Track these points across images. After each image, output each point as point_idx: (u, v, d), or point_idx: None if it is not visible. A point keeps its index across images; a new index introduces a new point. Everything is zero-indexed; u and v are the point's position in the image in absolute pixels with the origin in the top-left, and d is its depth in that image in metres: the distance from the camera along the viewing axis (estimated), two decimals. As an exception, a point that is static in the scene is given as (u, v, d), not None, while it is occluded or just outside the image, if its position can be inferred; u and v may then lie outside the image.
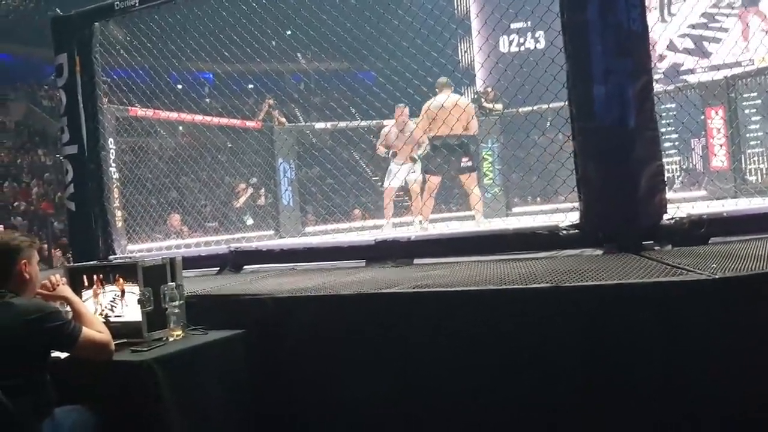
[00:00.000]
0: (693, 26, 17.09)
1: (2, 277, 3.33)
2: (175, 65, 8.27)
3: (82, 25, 6.63)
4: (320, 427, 3.95)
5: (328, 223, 11.98)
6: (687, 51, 16.51)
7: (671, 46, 16.65)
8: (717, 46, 16.33)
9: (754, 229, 4.29)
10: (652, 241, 4.18)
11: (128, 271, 3.93)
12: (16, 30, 28.38)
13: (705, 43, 16.78)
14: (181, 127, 11.46)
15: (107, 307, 3.97)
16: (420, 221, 9.19)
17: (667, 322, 3.05)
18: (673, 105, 9.49)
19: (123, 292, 3.92)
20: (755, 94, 11.52)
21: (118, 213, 7.26)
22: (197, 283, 5.09)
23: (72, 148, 6.61)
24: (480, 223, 8.89)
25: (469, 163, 8.97)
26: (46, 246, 14.71)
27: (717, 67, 11.73)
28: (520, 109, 8.79)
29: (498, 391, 3.41)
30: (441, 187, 9.58)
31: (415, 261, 5.00)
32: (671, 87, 10.59)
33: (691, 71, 14.80)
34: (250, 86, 12.75)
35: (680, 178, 12.10)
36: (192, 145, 10.79)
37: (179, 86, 9.76)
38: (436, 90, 8.86)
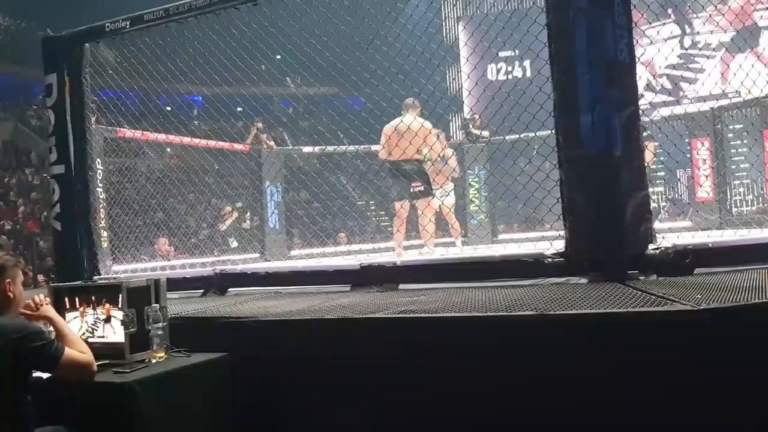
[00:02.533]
0: (671, 66, 17.24)
1: (-14, 296, 3.32)
2: (164, 87, 8.27)
3: (73, 46, 6.63)
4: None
5: (314, 247, 11.97)
6: (665, 91, 16.61)
7: (650, 87, 16.76)
8: (693, 87, 16.51)
9: (739, 260, 4.32)
10: (637, 271, 4.20)
11: (112, 292, 3.92)
12: (5, 49, 28.38)
13: (682, 84, 16.92)
14: (169, 149, 11.45)
15: (88, 330, 3.95)
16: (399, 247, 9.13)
17: (652, 352, 3.06)
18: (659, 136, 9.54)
19: (109, 317, 3.90)
20: (741, 126, 11.61)
21: (104, 233, 7.23)
22: (181, 305, 5.08)
23: (59, 168, 6.59)
24: (421, 253, 8.71)
25: (420, 188, 8.72)
26: (30, 272, 14.56)
27: (704, 99, 11.84)
28: (507, 137, 8.81)
29: (482, 418, 3.41)
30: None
31: (401, 286, 5.00)
32: (658, 117, 10.68)
33: (678, 102, 14.91)
34: (239, 109, 12.77)
35: (665, 209, 12.16)
36: (180, 167, 10.78)
37: (168, 108, 9.75)
38: (402, 112, 8.70)
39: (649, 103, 12.29)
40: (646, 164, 4.51)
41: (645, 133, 4.38)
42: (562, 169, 4.33)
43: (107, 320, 3.92)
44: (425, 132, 8.33)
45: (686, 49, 17.52)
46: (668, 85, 16.76)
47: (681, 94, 15.91)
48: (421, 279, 5.08)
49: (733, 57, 14.56)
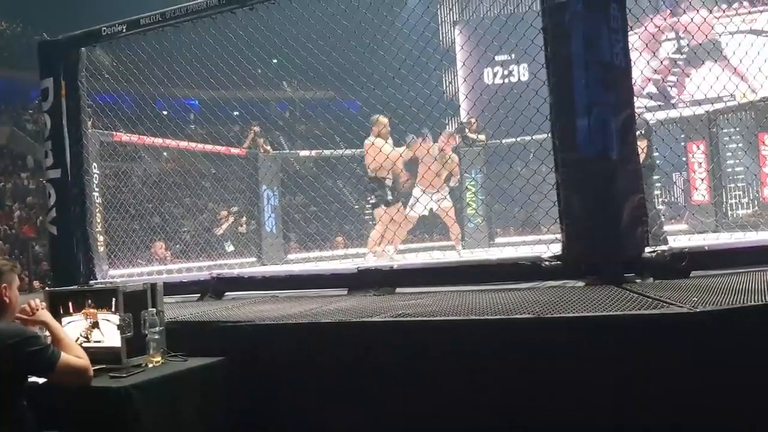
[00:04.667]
0: (656, 71, 17.25)
1: (-19, 301, 3.31)
2: (160, 91, 8.27)
3: (69, 50, 6.63)
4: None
5: (311, 251, 11.97)
6: (650, 96, 16.63)
7: (635, 92, 16.75)
8: (677, 91, 16.53)
9: (735, 263, 4.32)
10: (633, 274, 4.20)
11: (109, 297, 3.91)
12: (1, 52, 28.36)
13: (667, 88, 16.92)
14: (165, 153, 11.45)
15: (83, 334, 3.94)
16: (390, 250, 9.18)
17: (649, 354, 3.06)
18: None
19: (96, 323, 3.89)
20: (736, 129, 11.62)
21: (100, 238, 7.22)
22: (178, 309, 5.07)
23: (55, 172, 6.59)
24: (368, 260, 8.83)
25: (372, 201, 9.41)
26: (26, 277, 14.46)
27: (698, 102, 11.87)
28: (504, 140, 8.81)
29: (481, 420, 3.41)
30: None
31: (398, 290, 5.00)
32: (654, 121, 10.69)
33: (674, 106, 14.94)
34: (236, 113, 12.78)
35: (661, 212, 12.18)
36: (176, 171, 10.77)
37: (165, 112, 9.75)
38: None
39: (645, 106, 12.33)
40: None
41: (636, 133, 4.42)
42: (558, 173, 4.34)
43: (103, 324, 3.91)
44: (371, 149, 8.80)
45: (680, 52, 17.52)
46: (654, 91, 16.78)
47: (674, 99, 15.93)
48: (419, 282, 5.08)
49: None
